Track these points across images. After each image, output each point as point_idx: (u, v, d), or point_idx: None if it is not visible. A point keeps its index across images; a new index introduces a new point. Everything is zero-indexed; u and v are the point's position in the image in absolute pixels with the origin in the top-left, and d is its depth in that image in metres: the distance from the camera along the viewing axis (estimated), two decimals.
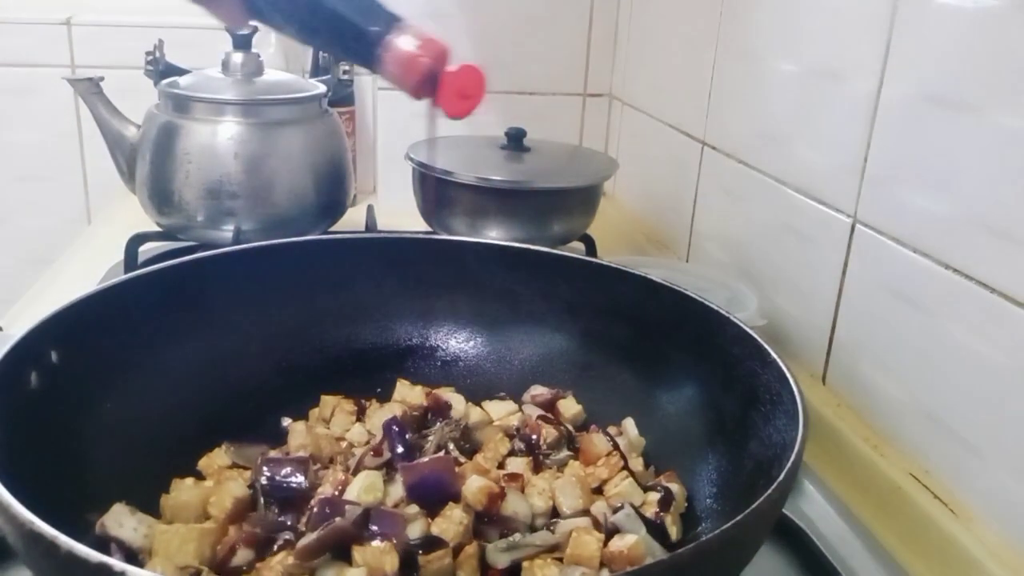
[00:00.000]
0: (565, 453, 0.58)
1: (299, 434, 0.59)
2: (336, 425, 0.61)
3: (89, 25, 1.36)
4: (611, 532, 0.50)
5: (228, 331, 0.62)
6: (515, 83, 1.27)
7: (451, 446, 0.57)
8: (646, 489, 0.54)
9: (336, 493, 0.50)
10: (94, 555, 0.33)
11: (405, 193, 1.00)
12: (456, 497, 0.50)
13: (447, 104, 0.58)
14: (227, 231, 0.89)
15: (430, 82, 0.57)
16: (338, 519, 0.46)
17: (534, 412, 0.62)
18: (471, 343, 0.69)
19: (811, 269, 0.76)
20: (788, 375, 0.49)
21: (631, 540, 0.48)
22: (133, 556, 0.46)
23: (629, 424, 0.60)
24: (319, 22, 0.57)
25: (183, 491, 0.51)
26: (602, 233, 1.03)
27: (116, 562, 0.32)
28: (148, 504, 0.49)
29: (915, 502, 0.59)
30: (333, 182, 0.96)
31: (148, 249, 0.95)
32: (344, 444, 0.59)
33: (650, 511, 0.52)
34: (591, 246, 1.01)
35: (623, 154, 1.29)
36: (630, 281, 0.63)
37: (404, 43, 0.56)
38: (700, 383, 0.58)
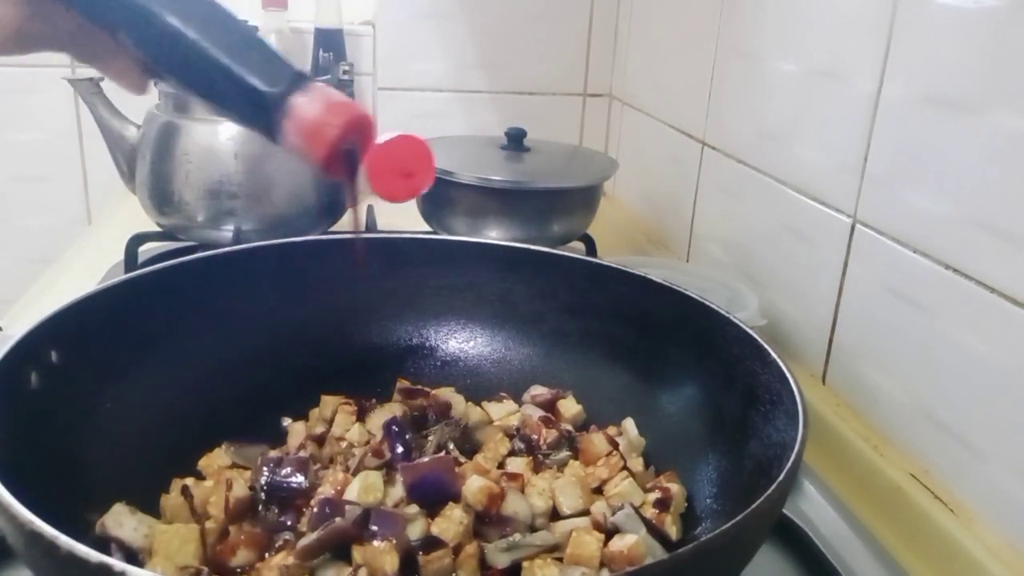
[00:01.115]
0: (565, 453, 0.58)
1: (299, 434, 0.59)
2: (336, 425, 0.61)
3: None
4: (611, 532, 0.50)
5: (228, 331, 0.62)
6: (515, 83, 1.27)
7: (451, 446, 0.57)
8: (646, 489, 0.54)
9: (336, 493, 0.50)
10: (94, 555, 0.33)
11: None
12: (456, 497, 0.50)
13: (381, 185, 0.48)
14: (227, 231, 0.89)
15: (346, 156, 0.46)
16: (338, 519, 0.46)
17: (534, 412, 0.62)
18: (471, 343, 0.69)
19: (811, 269, 0.76)
20: (788, 375, 0.49)
21: (631, 540, 0.48)
22: (133, 556, 0.46)
23: (629, 424, 0.60)
24: (209, 81, 0.46)
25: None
26: (602, 233, 1.03)
27: (116, 562, 0.32)
28: (148, 504, 0.49)
29: (915, 502, 0.59)
30: (333, 182, 0.96)
31: (148, 249, 0.95)
32: (344, 444, 0.59)
33: (650, 511, 0.52)
34: (591, 246, 1.01)
35: (623, 154, 1.29)
36: (630, 281, 0.63)
37: (307, 107, 0.45)
38: (700, 383, 0.58)
